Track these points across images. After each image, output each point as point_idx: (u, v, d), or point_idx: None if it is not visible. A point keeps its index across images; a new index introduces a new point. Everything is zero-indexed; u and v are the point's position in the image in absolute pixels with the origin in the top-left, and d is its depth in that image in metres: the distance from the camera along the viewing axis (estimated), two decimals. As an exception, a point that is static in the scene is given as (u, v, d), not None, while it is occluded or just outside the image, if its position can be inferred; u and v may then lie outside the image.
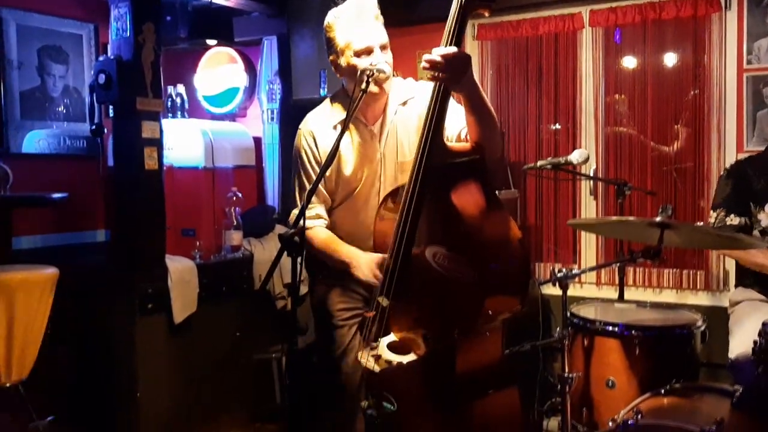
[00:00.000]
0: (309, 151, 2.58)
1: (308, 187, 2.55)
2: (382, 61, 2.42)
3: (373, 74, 2.34)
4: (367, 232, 2.51)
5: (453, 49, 2.07)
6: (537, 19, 4.38)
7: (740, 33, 3.86)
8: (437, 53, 2.07)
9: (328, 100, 2.68)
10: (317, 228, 2.57)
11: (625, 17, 4.13)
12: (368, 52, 2.43)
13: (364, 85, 2.31)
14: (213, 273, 4.04)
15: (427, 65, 2.08)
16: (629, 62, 4.29)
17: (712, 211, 3.14)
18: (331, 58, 2.53)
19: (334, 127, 2.54)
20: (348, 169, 2.55)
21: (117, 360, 3.66)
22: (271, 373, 4.14)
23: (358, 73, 2.37)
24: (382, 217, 2.41)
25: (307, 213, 2.52)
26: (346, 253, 2.48)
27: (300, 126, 2.65)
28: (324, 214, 2.61)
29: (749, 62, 3.86)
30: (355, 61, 2.44)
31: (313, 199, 2.53)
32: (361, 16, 2.45)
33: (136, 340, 3.60)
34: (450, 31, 2.09)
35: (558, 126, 4.49)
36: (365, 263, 2.40)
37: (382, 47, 2.45)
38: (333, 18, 2.50)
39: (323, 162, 2.51)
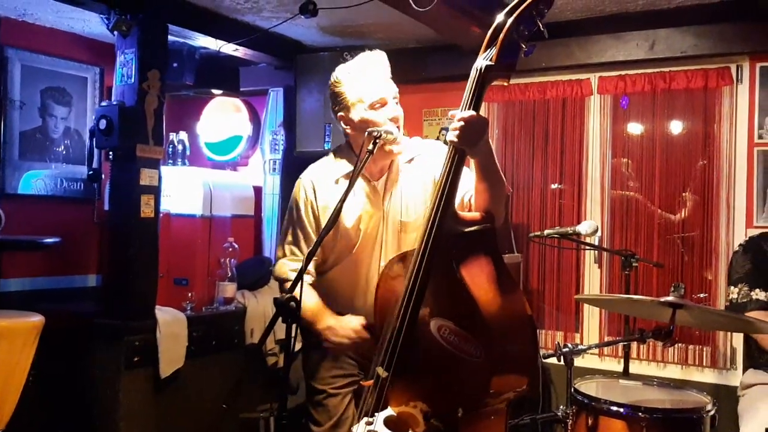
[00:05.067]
0: (307, 203, 2.51)
1: (301, 238, 2.50)
2: (397, 111, 2.40)
3: (380, 135, 2.29)
4: (364, 293, 2.42)
5: (471, 112, 2.04)
6: (545, 83, 4.35)
7: (752, 107, 3.82)
8: (456, 116, 2.04)
9: (331, 154, 2.62)
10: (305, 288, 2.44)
11: (634, 86, 4.10)
12: (382, 103, 2.39)
13: (371, 146, 2.26)
14: (204, 326, 3.94)
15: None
16: (637, 130, 4.24)
17: (732, 287, 3.04)
18: (339, 114, 2.46)
19: (336, 182, 2.48)
20: (348, 223, 2.45)
21: (99, 413, 3.55)
22: (258, 434, 3.99)
23: (366, 132, 2.32)
24: (385, 282, 2.29)
25: (293, 266, 2.48)
26: (325, 320, 2.39)
27: (300, 176, 2.59)
28: (311, 269, 2.50)
29: (760, 137, 3.80)
30: (369, 114, 2.38)
31: (298, 253, 2.49)
32: (371, 71, 2.42)
33: (120, 394, 3.49)
34: (468, 98, 2.06)
35: (563, 188, 4.42)
36: (343, 326, 2.34)
37: (395, 98, 2.42)
38: (342, 73, 2.45)
39: (321, 216, 2.46)
